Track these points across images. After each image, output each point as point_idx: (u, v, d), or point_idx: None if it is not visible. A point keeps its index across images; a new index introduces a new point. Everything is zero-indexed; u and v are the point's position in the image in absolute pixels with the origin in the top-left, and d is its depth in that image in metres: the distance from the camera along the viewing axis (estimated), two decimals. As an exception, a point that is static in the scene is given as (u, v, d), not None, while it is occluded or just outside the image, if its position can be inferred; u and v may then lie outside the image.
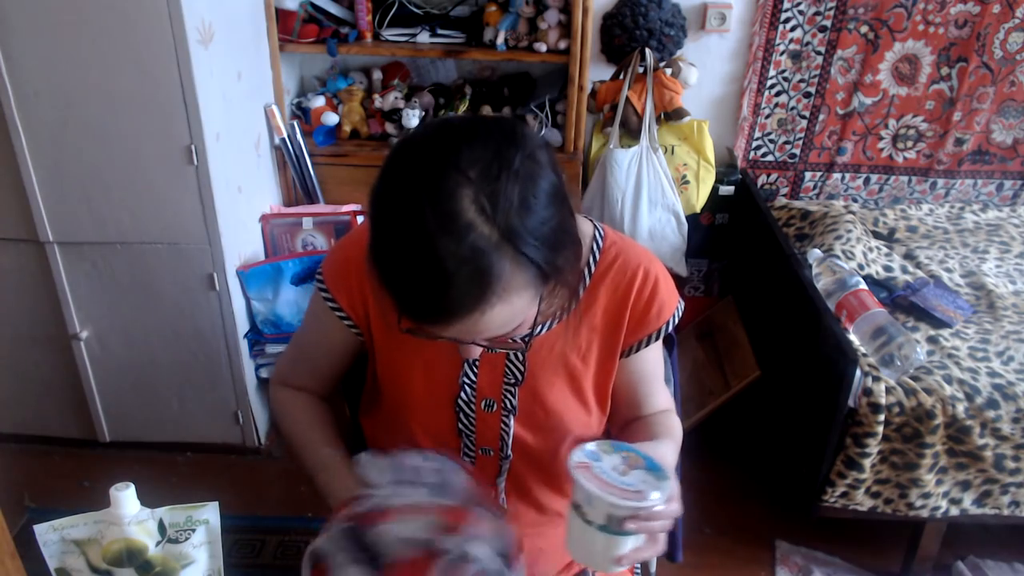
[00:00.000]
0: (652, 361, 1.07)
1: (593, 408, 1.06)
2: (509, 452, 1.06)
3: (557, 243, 0.80)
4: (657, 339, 1.03)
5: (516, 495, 1.09)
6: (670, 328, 1.04)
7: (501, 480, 1.08)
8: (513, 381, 1.02)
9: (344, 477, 0.97)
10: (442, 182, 0.74)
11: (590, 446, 0.86)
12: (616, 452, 0.85)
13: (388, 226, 0.78)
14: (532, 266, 0.77)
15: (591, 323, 1.01)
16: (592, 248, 1.00)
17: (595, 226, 1.03)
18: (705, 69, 2.42)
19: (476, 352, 0.90)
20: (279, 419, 1.14)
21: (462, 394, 1.03)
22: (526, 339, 0.90)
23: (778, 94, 2.46)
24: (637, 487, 0.80)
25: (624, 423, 1.10)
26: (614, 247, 1.01)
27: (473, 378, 1.02)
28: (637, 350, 1.03)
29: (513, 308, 0.79)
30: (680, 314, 1.05)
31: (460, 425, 1.05)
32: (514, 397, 1.03)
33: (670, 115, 2.30)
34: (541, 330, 1.00)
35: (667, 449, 1.00)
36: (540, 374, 1.02)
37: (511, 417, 1.04)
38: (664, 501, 0.80)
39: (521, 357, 1.01)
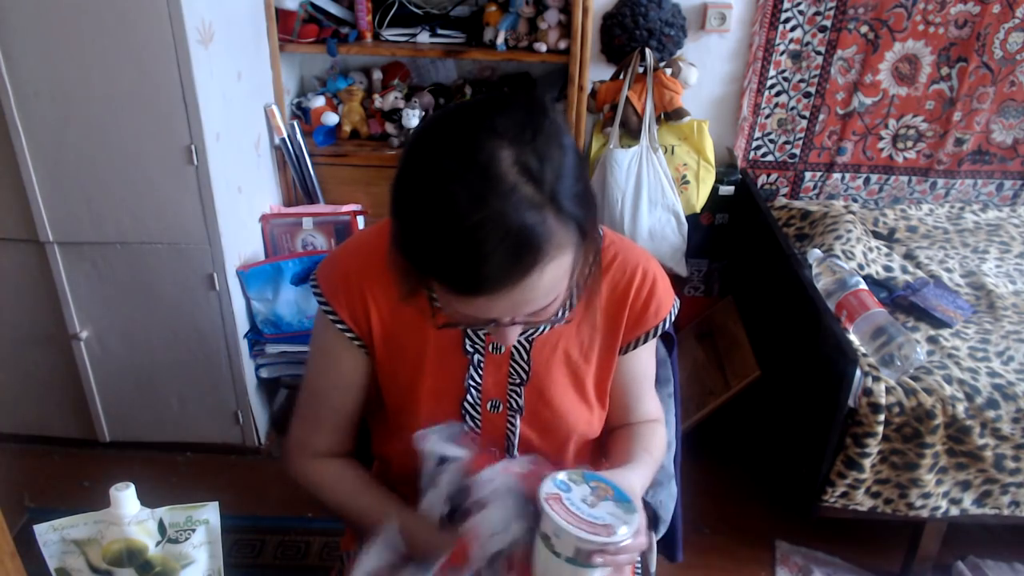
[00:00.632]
0: (645, 361, 1.08)
1: (595, 406, 1.07)
2: (515, 452, 1.06)
3: (588, 203, 0.81)
4: (654, 336, 1.04)
5: None
6: (666, 326, 1.04)
7: None
8: (518, 381, 1.02)
9: (418, 524, 0.95)
10: (480, 148, 0.75)
11: (561, 475, 0.86)
12: (586, 482, 0.86)
13: (427, 201, 0.76)
14: (572, 223, 0.78)
15: (592, 321, 1.02)
16: None
17: None
18: (705, 69, 2.42)
19: (515, 335, 0.89)
20: (319, 497, 1.07)
21: (468, 396, 1.02)
22: (563, 312, 0.89)
23: (778, 94, 2.46)
24: (605, 520, 0.81)
25: (612, 428, 1.11)
26: (612, 246, 1.02)
27: (479, 380, 1.02)
28: (634, 347, 1.04)
29: (560, 269, 0.79)
30: (676, 312, 1.06)
31: (466, 428, 1.04)
32: (520, 397, 1.03)
33: (670, 115, 2.30)
34: (544, 328, 1.00)
35: (639, 474, 0.99)
36: (545, 373, 1.02)
37: (517, 417, 1.04)
38: (632, 535, 0.81)
39: (526, 356, 1.01)
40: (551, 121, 0.79)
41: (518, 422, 1.04)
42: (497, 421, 1.04)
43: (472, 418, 1.04)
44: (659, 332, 1.04)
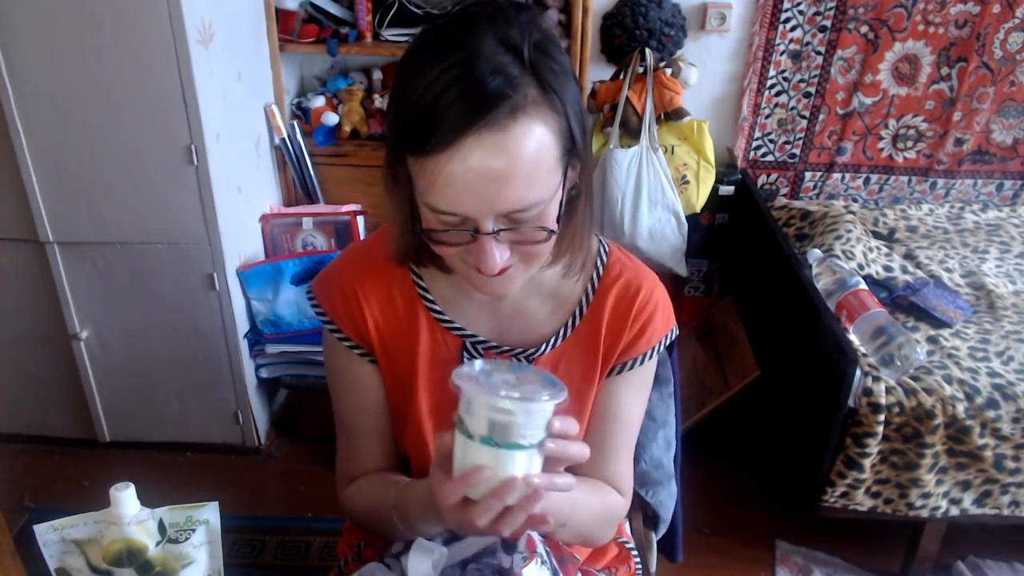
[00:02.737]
0: (626, 402, 1.00)
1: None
2: None
3: (578, 110, 0.81)
4: (640, 364, 0.99)
5: None
6: (654, 355, 0.99)
7: None
8: None
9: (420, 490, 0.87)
10: (462, 32, 0.76)
11: (479, 362, 0.76)
12: (511, 372, 0.75)
13: (406, 75, 0.77)
14: (558, 103, 0.77)
15: (595, 343, 0.98)
16: (596, 263, 0.98)
17: (600, 240, 1.00)
18: (705, 69, 2.42)
19: (500, 257, 0.80)
20: (361, 521, 1.04)
21: None
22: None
23: (778, 94, 2.46)
24: (527, 393, 0.70)
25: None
26: (618, 264, 0.99)
27: None
28: (619, 372, 0.99)
29: (540, 146, 0.76)
30: (669, 340, 1.01)
31: None
32: None
33: (670, 115, 2.30)
34: (546, 348, 0.97)
35: (584, 491, 0.92)
36: None
37: None
38: (555, 404, 0.70)
39: None
40: (535, 12, 0.80)
41: None
42: None
43: None
44: (644, 362, 0.99)
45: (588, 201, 0.90)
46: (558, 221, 0.82)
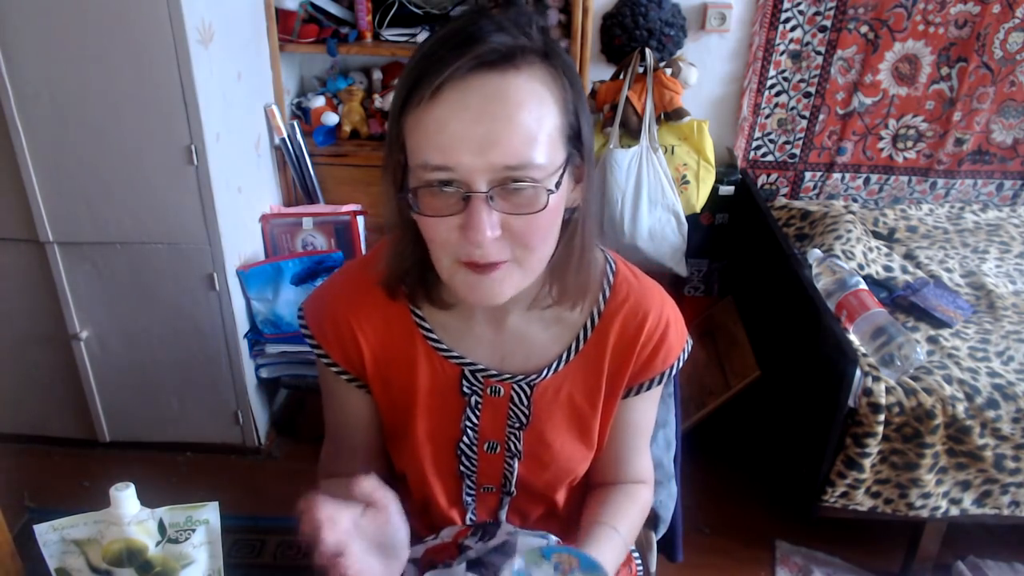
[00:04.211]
0: (645, 413, 1.03)
1: (595, 446, 1.03)
2: (512, 490, 1.03)
3: (587, 110, 0.81)
4: (659, 384, 1.00)
5: (519, 524, 1.07)
6: (674, 372, 1.00)
7: (502, 513, 1.06)
8: (518, 425, 0.98)
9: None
10: (480, 12, 0.79)
11: (518, 563, 0.79)
12: (547, 559, 0.80)
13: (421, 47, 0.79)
14: (563, 78, 0.77)
15: (599, 366, 0.96)
16: (603, 285, 0.96)
17: (607, 258, 0.97)
18: (705, 69, 2.42)
19: (490, 226, 0.75)
20: None
21: (464, 438, 0.99)
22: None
23: (778, 94, 2.46)
24: None
25: (597, 483, 1.06)
26: (625, 284, 0.96)
27: (475, 421, 0.98)
28: (636, 393, 1.00)
29: (541, 103, 0.75)
30: (686, 357, 1.01)
31: (461, 467, 1.01)
32: (519, 441, 0.99)
33: (670, 115, 2.30)
34: (548, 373, 0.96)
35: (606, 547, 0.95)
36: (546, 418, 0.98)
37: (515, 460, 1.00)
38: None
39: (526, 401, 0.97)
40: (547, 30, 0.82)
41: (516, 465, 1.00)
42: (494, 462, 1.01)
43: (468, 458, 1.00)
44: (664, 380, 1.00)
45: (589, 231, 0.88)
46: (557, 186, 0.78)
